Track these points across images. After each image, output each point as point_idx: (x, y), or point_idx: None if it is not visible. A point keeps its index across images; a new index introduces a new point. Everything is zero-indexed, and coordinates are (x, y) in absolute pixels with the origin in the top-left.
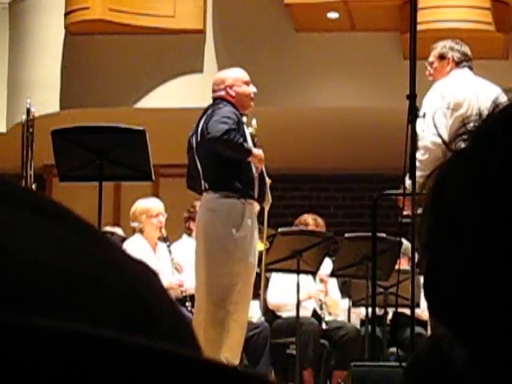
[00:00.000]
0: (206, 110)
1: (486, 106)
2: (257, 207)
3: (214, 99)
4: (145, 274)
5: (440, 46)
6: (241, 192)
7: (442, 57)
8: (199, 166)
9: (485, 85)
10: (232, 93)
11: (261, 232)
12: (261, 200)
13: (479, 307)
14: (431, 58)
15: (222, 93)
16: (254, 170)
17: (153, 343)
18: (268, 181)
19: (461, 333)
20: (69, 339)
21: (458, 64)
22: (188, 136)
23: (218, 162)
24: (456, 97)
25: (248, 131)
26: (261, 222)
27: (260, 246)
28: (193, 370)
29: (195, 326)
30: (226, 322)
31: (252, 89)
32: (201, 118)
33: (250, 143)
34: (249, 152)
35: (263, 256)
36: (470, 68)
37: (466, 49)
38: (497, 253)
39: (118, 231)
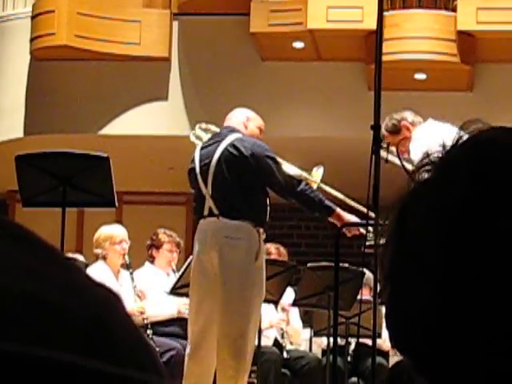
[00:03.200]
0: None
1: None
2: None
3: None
4: (107, 298)
5: (387, 122)
6: (257, 220)
7: (395, 130)
8: (209, 191)
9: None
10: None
11: None
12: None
13: (439, 339)
14: (387, 139)
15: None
16: (268, 198)
17: (113, 368)
18: None
19: (421, 364)
20: (29, 363)
21: (413, 124)
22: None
23: (244, 190)
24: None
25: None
26: None
27: None
28: None
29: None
30: (248, 352)
31: None
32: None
33: None
34: (331, 211)
35: None
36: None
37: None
38: (457, 286)
39: (80, 258)
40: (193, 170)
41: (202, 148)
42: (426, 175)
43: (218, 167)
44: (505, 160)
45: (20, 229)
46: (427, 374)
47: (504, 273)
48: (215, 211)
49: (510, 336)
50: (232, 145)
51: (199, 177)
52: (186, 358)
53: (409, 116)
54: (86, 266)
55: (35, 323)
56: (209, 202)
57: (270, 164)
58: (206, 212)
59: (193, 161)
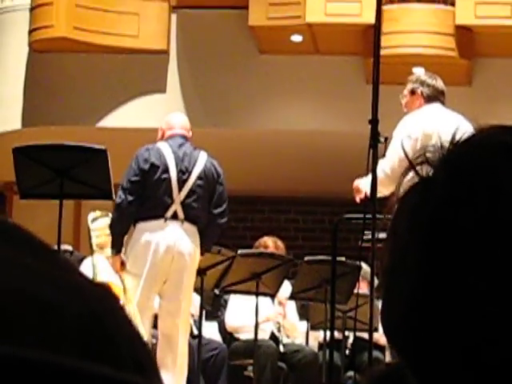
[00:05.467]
0: (192, 147)
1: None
2: None
3: (185, 138)
4: (106, 298)
5: (412, 80)
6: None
7: (412, 92)
8: (181, 196)
9: (456, 119)
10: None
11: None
12: None
13: (422, 339)
14: (405, 91)
15: (189, 136)
16: None
17: (114, 372)
18: None
19: (412, 362)
20: (27, 366)
21: (427, 100)
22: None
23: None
24: (425, 129)
25: None
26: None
27: None
28: None
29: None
30: None
31: None
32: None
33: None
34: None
35: None
36: (442, 103)
37: (439, 83)
38: (439, 285)
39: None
40: (159, 169)
41: (174, 153)
42: (424, 171)
43: (199, 180)
44: (488, 164)
45: (15, 227)
46: (417, 373)
47: (481, 275)
48: (181, 215)
49: (490, 335)
50: (211, 163)
51: (174, 181)
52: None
53: (432, 89)
54: (83, 258)
55: (33, 325)
56: (176, 206)
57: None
58: (169, 214)
59: (160, 160)
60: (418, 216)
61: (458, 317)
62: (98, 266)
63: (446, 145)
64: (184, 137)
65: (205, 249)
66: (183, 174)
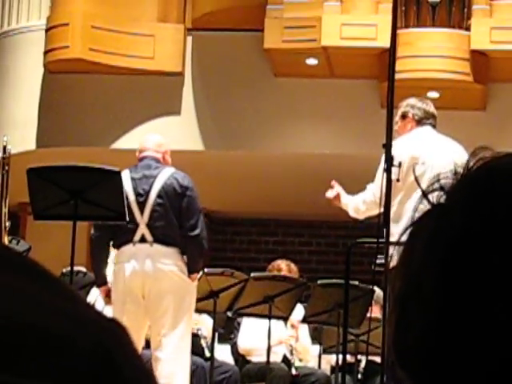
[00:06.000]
0: (150, 167)
1: (443, 164)
2: None
3: (153, 159)
4: (116, 331)
5: (403, 105)
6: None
7: (403, 116)
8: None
9: (445, 143)
10: (167, 159)
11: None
12: None
13: (439, 365)
14: (396, 117)
15: (160, 155)
16: None
17: None
18: None
19: None
20: None
21: (418, 122)
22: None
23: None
24: (411, 152)
25: None
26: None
27: None
28: None
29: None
30: None
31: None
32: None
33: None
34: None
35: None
36: (433, 126)
37: (429, 107)
38: (456, 313)
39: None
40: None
41: (132, 178)
42: (436, 198)
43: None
44: (506, 191)
45: (26, 261)
46: None
47: (498, 304)
48: (149, 238)
49: (507, 363)
50: (174, 178)
51: (134, 205)
52: None
53: (422, 113)
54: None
55: (41, 356)
56: (142, 229)
57: None
58: (137, 238)
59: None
60: (434, 242)
61: (476, 345)
62: None
63: (459, 170)
64: (153, 158)
65: (190, 268)
66: (141, 196)
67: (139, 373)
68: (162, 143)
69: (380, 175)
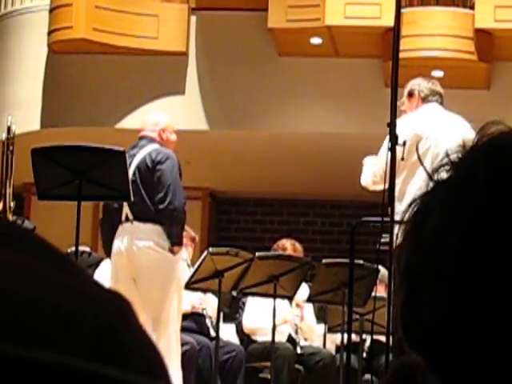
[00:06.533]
0: (138, 146)
1: (449, 139)
2: None
3: (147, 137)
4: (119, 305)
5: (410, 84)
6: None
7: (410, 94)
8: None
9: (452, 119)
10: (166, 137)
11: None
12: None
13: (453, 339)
14: (403, 98)
15: (155, 134)
16: None
17: (124, 375)
18: None
19: (434, 362)
20: (41, 369)
21: (424, 100)
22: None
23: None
24: (415, 129)
25: None
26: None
27: None
28: None
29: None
30: None
31: (175, 137)
32: (136, 154)
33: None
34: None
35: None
36: (440, 103)
37: (436, 86)
38: (473, 287)
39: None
40: None
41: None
42: (444, 175)
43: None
44: None
45: (30, 236)
46: (440, 373)
47: None
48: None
49: None
50: (149, 154)
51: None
52: None
53: (428, 90)
54: (101, 260)
55: (47, 329)
56: (125, 209)
57: None
58: (123, 217)
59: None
60: (454, 214)
61: (496, 323)
62: None
63: (468, 144)
64: (147, 137)
65: (171, 241)
66: None
67: (142, 345)
68: (158, 122)
69: (382, 153)
